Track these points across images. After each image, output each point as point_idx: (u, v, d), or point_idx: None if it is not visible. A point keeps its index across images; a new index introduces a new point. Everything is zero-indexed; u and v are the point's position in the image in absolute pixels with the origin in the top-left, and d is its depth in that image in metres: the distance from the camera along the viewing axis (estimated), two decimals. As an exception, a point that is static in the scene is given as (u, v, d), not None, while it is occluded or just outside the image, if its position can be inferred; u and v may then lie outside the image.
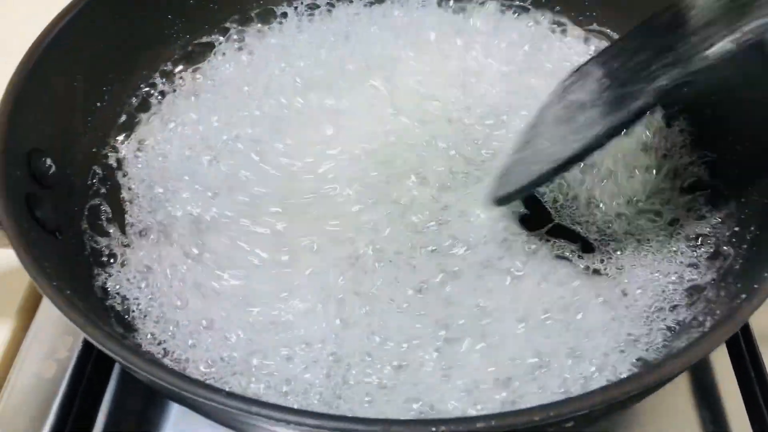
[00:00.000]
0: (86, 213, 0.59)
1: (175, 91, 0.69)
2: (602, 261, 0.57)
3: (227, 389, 0.39)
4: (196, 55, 0.71)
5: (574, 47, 0.71)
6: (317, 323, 0.53)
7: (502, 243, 0.58)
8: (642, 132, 0.64)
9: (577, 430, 0.41)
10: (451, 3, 0.75)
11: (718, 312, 0.48)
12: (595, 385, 0.49)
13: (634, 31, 0.56)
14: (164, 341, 0.53)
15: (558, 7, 0.73)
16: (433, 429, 0.36)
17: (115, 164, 0.63)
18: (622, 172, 0.62)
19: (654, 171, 0.62)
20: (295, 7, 0.75)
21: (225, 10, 0.72)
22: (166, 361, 0.52)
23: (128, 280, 0.56)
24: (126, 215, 0.60)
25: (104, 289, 0.55)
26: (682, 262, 0.56)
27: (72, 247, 0.55)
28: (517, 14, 0.74)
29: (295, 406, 0.48)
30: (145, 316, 0.54)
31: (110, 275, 0.56)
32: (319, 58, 0.71)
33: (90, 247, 0.57)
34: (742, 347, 0.59)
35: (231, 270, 0.56)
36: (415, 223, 0.59)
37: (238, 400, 0.38)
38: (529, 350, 0.51)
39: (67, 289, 0.45)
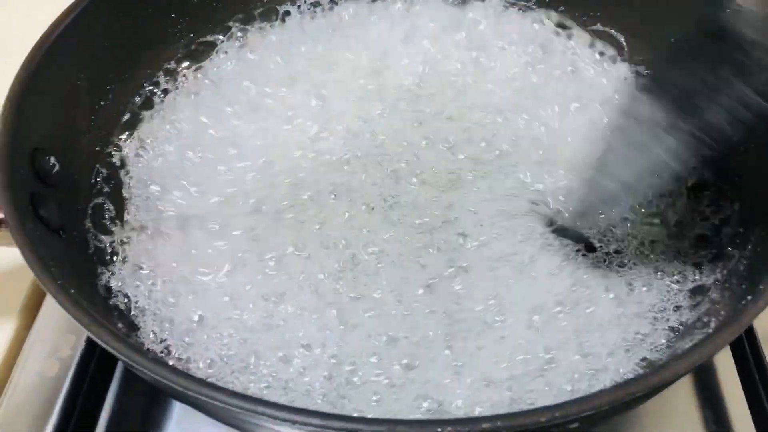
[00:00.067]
0: (90, 212, 0.58)
1: (177, 89, 0.68)
2: (605, 261, 0.57)
3: (230, 388, 0.39)
4: (199, 54, 0.71)
5: (578, 48, 0.71)
6: (315, 327, 0.52)
7: (511, 239, 0.57)
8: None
9: (582, 431, 0.41)
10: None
11: (722, 313, 0.48)
12: (600, 384, 0.49)
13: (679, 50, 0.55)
14: (165, 339, 0.53)
15: (562, 7, 0.73)
16: (439, 429, 0.36)
17: (118, 163, 0.63)
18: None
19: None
20: (298, 6, 0.75)
21: (229, 9, 0.72)
22: (170, 360, 0.52)
23: (130, 278, 0.56)
24: (128, 214, 0.60)
25: (107, 288, 0.55)
26: (685, 263, 0.56)
27: (75, 246, 0.55)
28: (521, 11, 0.73)
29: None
30: (146, 314, 0.54)
31: (113, 274, 0.56)
32: (317, 55, 0.71)
33: (93, 245, 0.57)
34: (745, 348, 0.59)
35: (227, 271, 0.56)
36: (418, 223, 0.59)
37: (244, 400, 0.38)
38: (539, 345, 0.51)
39: (71, 288, 0.45)
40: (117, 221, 0.59)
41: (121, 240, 0.58)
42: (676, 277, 0.55)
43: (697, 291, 0.54)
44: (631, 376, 0.49)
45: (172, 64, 0.70)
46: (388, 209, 0.59)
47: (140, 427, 0.57)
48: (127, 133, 0.65)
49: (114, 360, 0.60)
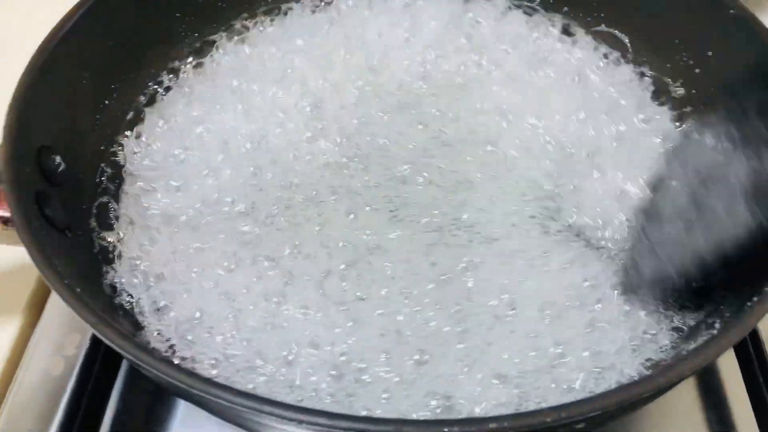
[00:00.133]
0: (95, 211, 0.59)
1: (179, 89, 0.68)
2: (616, 258, 0.57)
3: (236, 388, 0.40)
4: (203, 53, 0.71)
5: (582, 51, 0.71)
6: (322, 326, 0.52)
7: (523, 236, 0.57)
8: (650, 133, 0.64)
9: (588, 431, 0.41)
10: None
11: (727, 314, 0.48)
12: (606, 383, 0.49)
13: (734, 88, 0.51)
14: (170, 339, 0.53)
15: (566, 8, 0.73)
16: (446, 429, 0.37)
17: (122, 162, 0.63)
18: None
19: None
20: (302, 4, 0.75)
21: (234, 8, 0.72)
22: (174, 359, 0.52)
23: (134, 277, 0.56)
24: (132, 213, 0.60)
25: (112, 287, 0.55)
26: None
27: (81, 245, 0.55)
28: (525, 13, 0.73)
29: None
30: (150, 313, 0.54)
31: (117, 273, 0.56)
32: (315, 55, 0.70)
33: (98, 245, 0.57)
34: (749, 349, 0.59)
35: (230, 272, 0.56)
36: (426, 222, 0.58)
37: (251, 399, 0.38)
38: (549, 341, 0.51)
39: (77, 287, 0.45)
40: (122, 220, 0.59)
41: (125, 239, 0.58)
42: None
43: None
44: (635, 376, 0.49)
45: (177, 64, 0.70)
46: (393, 209, 0.59)
47: (145, 425, 0.57)
48: (130, 132, 0.65)
49: (119, 358, 0.60)
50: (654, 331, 0.52)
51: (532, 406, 0.47)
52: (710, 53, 0.62)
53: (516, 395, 0.48)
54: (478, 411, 0.47)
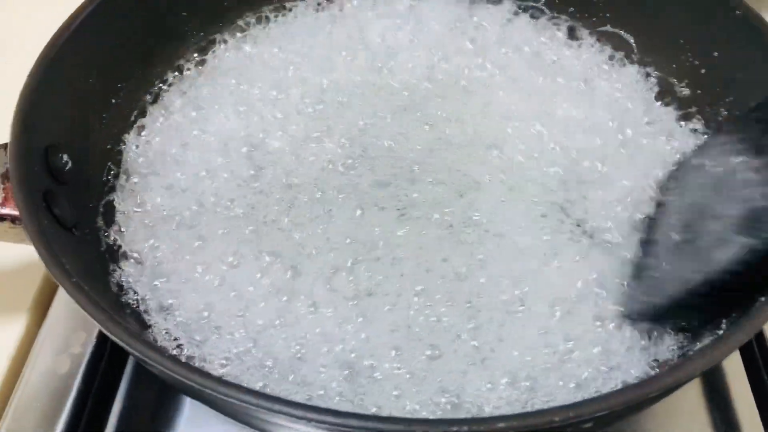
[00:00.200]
0: (101, 209, 0.59)
1: (185, 87, 0.68)
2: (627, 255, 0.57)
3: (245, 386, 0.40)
4: (209, 52, 0.71)
5: (588, 52, 0.71)
6: (332, 322, 0.53)
7: (536, 233, 0.58)
8: (656, 134, 0.64)
9: (595, 431, 0.41)
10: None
11: (733, 315, 0.48)
12: (613, 382, 0.49)
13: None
14: (178, 338, 0.53)
15: (572, 8, 0.73)
16: (455, 429, 0.37)
17: (128, 161, 0.63)
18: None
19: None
20: (306, 2, 0.75)
21: (239, 7, 0.72)
22: (182, 357, 0.52)
23: (141, 276, 0.56)
24: (138, 211, 0.60)
25: (119, 285, 0.55)
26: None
27: (88, 243, 0.55)
28: (531, 17, 0.73)
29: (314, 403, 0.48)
30: (157, 312, 0.54)
31: (124, 271, 0.56)
32: (319, 56, 0.71)
33: (105, 243, 0.57)
34: (754, 349, 0.59)
35: (236, 270, 0.56)
36: (436, 219, 0.58)
37: (260, 398, 0.38)
38: (559, 338, 0.51)
39: (85, 285, 0.45)
40: (128, 219, 0.59)
41: (132, 238, 0.58)
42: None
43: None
44: (642, 376, 0.49)
45: (183, 62, 0.70)
46: (402, 208, 0.59)
47: (151, 423, 0.58)
48: (136, 131, 0.65)
49: (125, 356, 0.61)
50: (660, 332, 0.52)
51: (539, 405, 0.47)
52: (716, 53, 0.62)
53: (525, 393, 0.48)
54: (487, 409, 0.47)
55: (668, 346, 0.51)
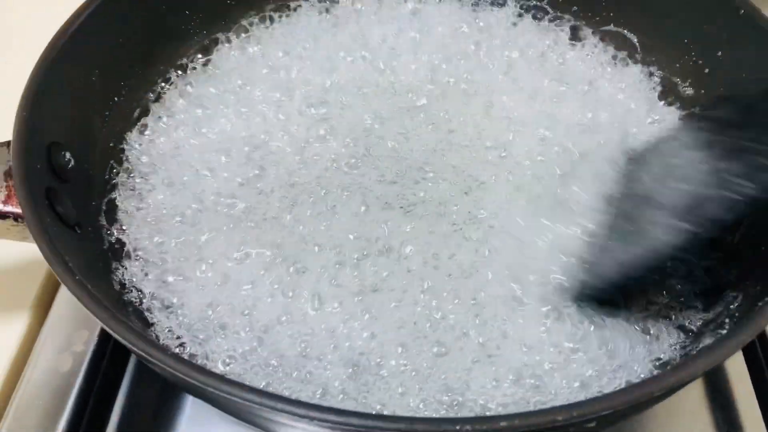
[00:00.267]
0: (104, 207, 0.59)
1: (187, 86, 0.69)
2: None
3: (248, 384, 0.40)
4: (211, 50, 0.71)
5: (591, 52, 0.71)
6: (337, 318, 0.53)
7: (540, 231, 0.57)
8: (658, 133, 0.64)
9: (598, 430, 0.41)
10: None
11: (737, 315, 0.48)
12: (616, 382, 0.49)
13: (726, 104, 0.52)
14: (180, 336, 0.53)
15: (575, 7, 0.72)
16: (457, 427, 0.37)
17: (130, 159, 0.63)
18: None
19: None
20: (310, 2, 0.75)
21: (242, 6, 0.72)
22: (184, 355, 0.52)
23: (143, 274, 0.56)
24: (140, 210, 0.60)
25: (121, 284, 0.55)
26: (699, 265, 0.56)
27: (90, 241, 0.55)
28: (533, 16, 0.73)
29: (316, 402, 0.48)
30: (159, 310, 0.54)
31: (127, 269, 0.56)
32: (321, 57, 0.71)
33: (107, 241, 0.57)
34: (757, 350, 0.59)
35: (239, 267, 0.56)
36: (443, 214, 0.59)
37: (261, 396, 0.38)
38: (563, 336, 0.51)
39: (87, 283, 0.45)
40: (130, 217, 0.59)
41: (134, 236, 0.58)
42: (689, 279, 0.55)
43: (712, 292, 0.54)
44: (645, 375, 0.49)
45: (185, 61, 0.70)
46: (407, 206, 0.59)
47: (152, 421, 0.58)
48: (139, 129, 0.65)
49: (127, 355, 0.61)
50: (664, 331, 0.52)
51: (543, 404, 0.47)
52: (720, 53, 0.62)
53: (530, 391, 0.48)
54: (492, 407, 0.47)
55: (671, 345, 0.51)
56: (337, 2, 0.74)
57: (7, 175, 0.50)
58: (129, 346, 0.41)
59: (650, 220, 0.49)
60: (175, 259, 0.57)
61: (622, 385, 0.48)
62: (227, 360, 0.51)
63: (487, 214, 0.59)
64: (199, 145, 0.64)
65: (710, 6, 0.62)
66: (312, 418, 0.38)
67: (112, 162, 0.62)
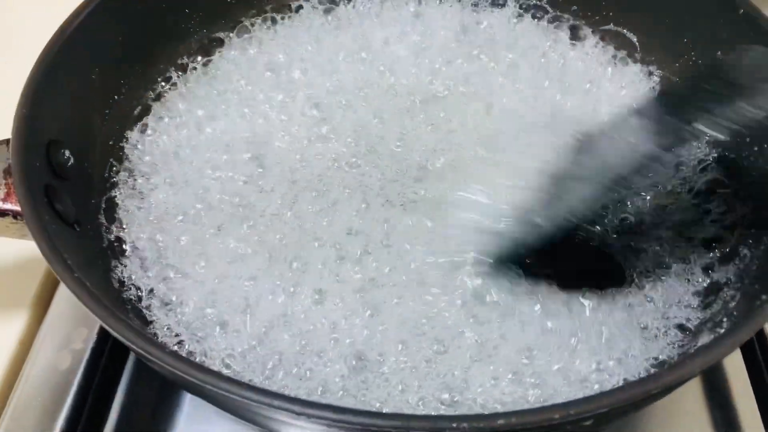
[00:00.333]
0: (103, 205, 0.59)
1: (187, 85, 0.69)
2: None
3: (247, 382, 0.40)
4: (211, 50, 0.71)
5: (592, 52, 0.71)
6: (337, 316, 0.53)
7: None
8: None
9: (595, 428, 0.41)
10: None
11: (735, 313, 0.48)
12: (613, 380, 0.49)
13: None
14: (179, 334, 0.53)
15: (575, 7, 0.73)
16: (454, 425, 0.37)
17: (130, 157, 0.63)
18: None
19: (670, 171, 0.62)
20: (311, 2, 0.75)
21: (242, 5, 0.72)
22: (182, 353, 0.52)
23: (142, 272, 0.56)
24: (139, 208, 0.60)
25: (121, 282, 0.55)
26: (697, 264, 0.56)
27: (89, 239, 0.55)
28: (535, 19, 0.73)
29: (316, 399, 0.48)
30: (158, 308, 0.54)
31: (125, 267, 0.56)
32: (323, 58, 0.71)
33: (107, 239, 0.57)
34: (755, 349, 0.59)
35: (238, 265, 0.56)
36: (446, 215, 0.58)
37: (260, 394, 0.38)
38: (566, 333, 0.52)
39: (86, 281, 0.45)
40: (130, 215, 0.59)
41: (133, 235, 0.58)
42: (688, 277, 0.55)
43: (710, 291, 0.54)
44: (643, 373, 0.49)
45: (185, 60, 0.70)
46: (409, 203, 0.59)
47: (151, 419, 0.58)
48: (139, 128, 0.65)
49: (125, 353, 0.61)
50: (662, 330, 0.52)
51: (541, 401, 0.47)
52: (719, 52, 0.62)
53: (528, 389, 0.49)
54: (490, 405, 0.48)
55: (669, 344, 0.51)
56: (338, 4, 0.74)
57: (7, 172, 0.51)
58: (127, 343, 0.42)
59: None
60: (175, 257, 0.57)
61: (620, 383, 0.48)
62: (226, 358, 0.51)
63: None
64: (200, 144, 0.64)
65: (710, 5, 0.62)
66: (309, 416, 0.38)
67: (111, 160, 0.62)
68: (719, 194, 0.59)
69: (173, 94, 0.68)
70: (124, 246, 0.57)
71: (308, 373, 0.50)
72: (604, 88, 0.68)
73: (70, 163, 0.55)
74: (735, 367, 0.59)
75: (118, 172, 0.62)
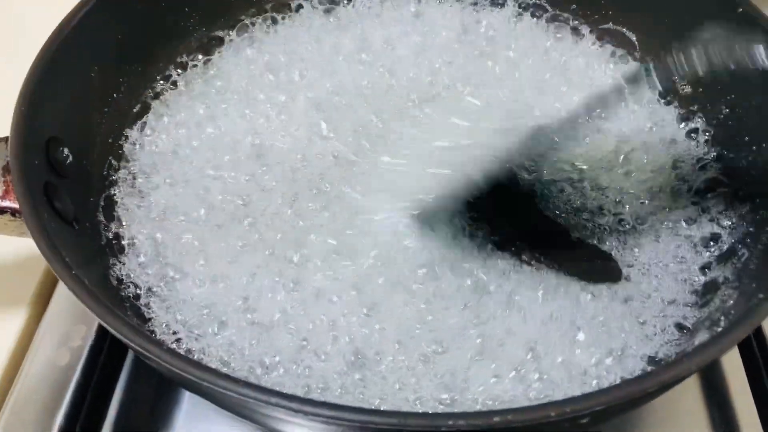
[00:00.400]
0: (102, 203, 0.59)
1: (187, 84, 0.69)
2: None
3: (244, 379, 0.40)
4: (211, 49, 0.71)
5: (591, 51, 0.71)
6: (336, 314, 0.53)
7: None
8: (657, 132, 0.64)
9: (592, 426, 0.41)
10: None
11: (733, 312, 0.48)
12: (610, 378, 0.49)
13: None
14: (177, 331, 0.53)
15: (574, 6, 0.72)
16: (450, 422, 0.37)
17: (129, 155, 0.63)
18: (636, 171, 0.62)
19: (669, 170, 0.62)
20: (311, 2, 0.75)
21: (241, 3, 0.72)
22: (180, 350, 0.52)
23: (140, 270, 0.56)
24: (138, 206, 0.60)
25: (119, 279, 0.56)
26: (695, 262, 0.56)
27: (88, 237, 0.55)
28: (534, 18, 0.73)
29: (315, 397, 0.48)
30: (156, 305, 0.54)
31: (124, 265, 0.56)
32: (323, 59, 0.71)
33: (105, 237, 0.57)
34: (753, 347, 0.59)
35: (237, 263, 0.56)
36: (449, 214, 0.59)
37: (258, 391, 0.38)
38: (566, 329, 0.52)
39: (85, 278, 0.45)
40: (129, 213, 0.59)
41: (132, 232, 0.58)
42: (686, 276, 0.55)
43: (707, 289, 0.54)
44: (639, 372, 0.49)
45: (185, 58, 0.70)
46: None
47: (150, 416, 0.58)
48: (138, 126, 0.65)
49: (124, 350, 0.61)
50: (659, 328, 0.52)
51: (539, 399, 0.48)
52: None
53: (530, 386, 0.49)
54: (490, 403, 0.48)
55: (666, 343, 0.51)
56: (338, 3, 0.74)
57: (5, 170, 0.51)
58: (125, 340, 0.42)
59: None
60: (173, 255, 0.57)
61: (617, 381, 0.49)
62: (224, 355, 0.51)
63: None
64: (199, 143, 0.64)
65: (708, 4, 0.62)
66: (306, 413, 0.38)
67: (110, 158, 0.62)
68: (718, 193, 0.59)
69: (173, 93, 0.68)
70: (122, 244, 0.57)
71: (307, 370, 0.50)
72: (604, 87, 0.68)
73: (69, 161, 0.55)
74: (733, 365, 0.59)
75: (117, 171, 0.62)
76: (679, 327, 0.52)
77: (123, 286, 0.55)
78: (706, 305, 0.53)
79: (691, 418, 0.58)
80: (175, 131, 0.65)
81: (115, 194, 0.60)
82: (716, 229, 0.57)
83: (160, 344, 0.42)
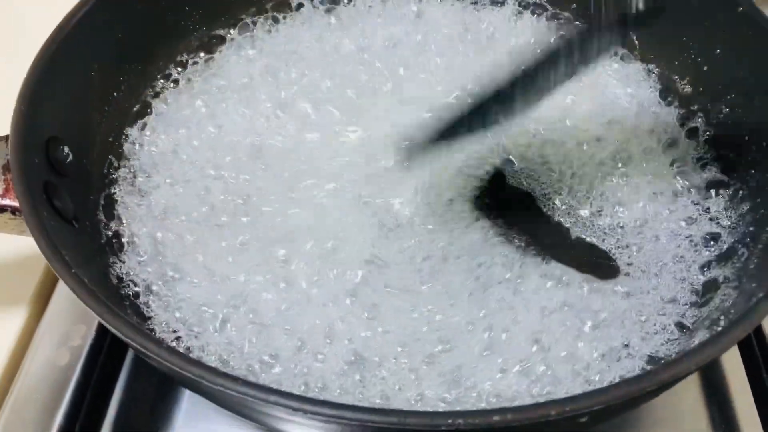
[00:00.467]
0: (102, 202, 0.59)
1: (188, 82, 0.69)
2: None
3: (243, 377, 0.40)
4: (211, 48, 0.71)
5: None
6: (337, 313, 0.53)
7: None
8: (658, 131, 0.64)
9: (592, 425, 0.41)
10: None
11: (732, 311, 0.48)
12: (609, 377, 0.49)
13: None
14: (177, 330, 0.53)
15: (574, 5, 0.72)
16: (450, 421, 0.37)
17: (129, 154, 0.63)
18: (636, 171, 0.62)
19: (669, 170, 0.62)
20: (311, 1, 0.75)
21: (242, 2, 0.72)
22: (180, 349, 0.52)
23: (140, 268, 0.56)
24: (138, 205, 0.60)
25: (119, 278, 0.56)
26: (695, 261, 0.56)
27: (88, 235, 0.55)
28: (531, 11, 0.73)
29: (314, 396, 0.48)
30: (156, 304, 0.54)
31: (124, 263, 0.56)
32: (324, 60, 0.71)
33: (105, 236, 0.57)
34: (753, 346, 0.59)
35: (237, 263, 0.56)
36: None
37: (257, 390, 0.38)
38: (567, 327, 0.52)
39: (84, 277, 0.45)
40: (128, 212, 0.59)
41: (131, 231, 0.58)
42: (686, 275, 0.55)
43: (707, 289, 0.54)
44: (639, 371, 0.49)
45: (185, 57, 0.70)
46: (423, 197, 0.60)
47: (149, 415, 0.58)
48: (138, 125, 0.65)
49: (124, 349, 0.61)
50: (659, 327, 0.52)
51: (541, 397, 0.48)
52: (718, 50, 0.62)
53: (533, 384, 0.49)
54: (493, 401, 0.48)
55: (666, 342, 0.51)
56: (338, 2, 0.74)
57: (5, 168, 0.51)
58: (125, 339, 0.42)
59: None
60: (173, 253, 0.57)
61: (616, 380, 0.49)
62: (223, 354, 0.51)
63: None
64: (199, 142, 0.64)
65: (709, 3, 0.62)
66: (306, 411, 0.38)
67: (110, 157, 0.62)
68: (718, 193, 0.59)
69: (173, 92, 0.68)
70: (122, 242, 0.57)
71: (306, 370, 0.50)
72: (605, 86, 0.68)
73: (69, 160, 0.56)
74: (733, 364, 0.59)
75: (117, 169, 0.62)
76: (679, 326, 0.52)
77: (123, 284, 0.55)
78: (706, 304, 0.53)
79: (691, 417, 0.58)
80: (175, 130, 0.65)
81: (115, 193, 0.60)
82: (716, 229, 0.57)
83: (159, 342, 0.42)
